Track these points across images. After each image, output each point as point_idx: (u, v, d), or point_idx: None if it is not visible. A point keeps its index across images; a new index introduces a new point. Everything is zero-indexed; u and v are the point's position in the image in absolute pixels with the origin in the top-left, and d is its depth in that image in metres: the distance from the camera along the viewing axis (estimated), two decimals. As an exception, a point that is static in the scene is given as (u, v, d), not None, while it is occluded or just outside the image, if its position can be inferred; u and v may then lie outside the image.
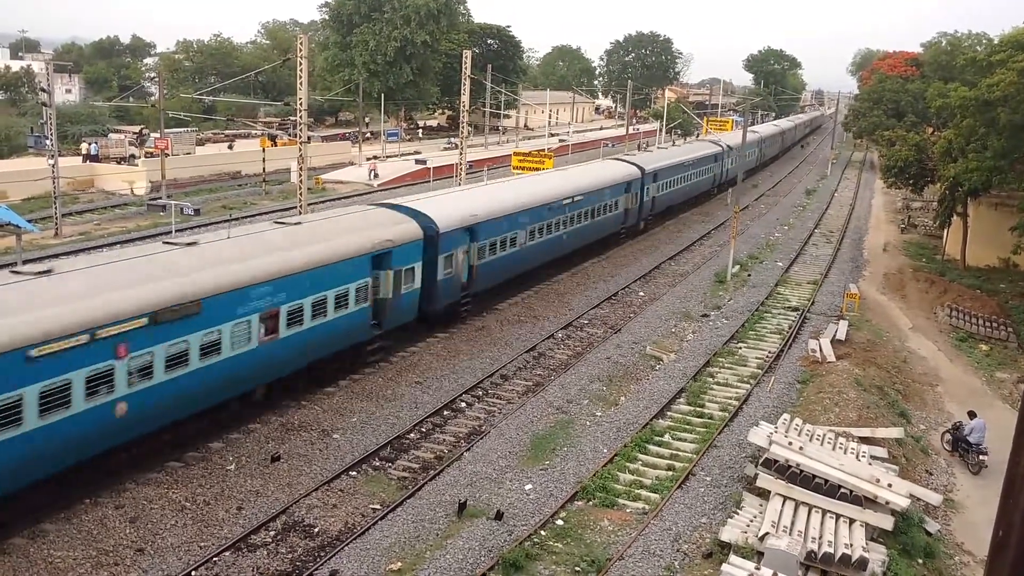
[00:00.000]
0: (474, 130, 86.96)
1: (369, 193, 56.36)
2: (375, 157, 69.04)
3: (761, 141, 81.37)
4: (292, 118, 60.25)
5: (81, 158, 58.18)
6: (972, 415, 22.63)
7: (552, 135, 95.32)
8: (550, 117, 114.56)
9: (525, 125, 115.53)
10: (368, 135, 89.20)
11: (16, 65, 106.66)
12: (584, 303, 33.31)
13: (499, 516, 16.99)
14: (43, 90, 43.01)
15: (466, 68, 47.05)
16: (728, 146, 63.91)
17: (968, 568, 17.59)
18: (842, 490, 17.06)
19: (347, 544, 15.94)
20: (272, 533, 16.35)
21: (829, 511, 16.76)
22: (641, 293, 35.83)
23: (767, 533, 15.72)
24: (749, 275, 39.62)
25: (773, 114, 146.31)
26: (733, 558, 15.24)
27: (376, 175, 63.22)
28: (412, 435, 20.97)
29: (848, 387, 24.26)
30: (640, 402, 23.68)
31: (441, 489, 18.18)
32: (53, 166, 41.40)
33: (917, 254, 48.40)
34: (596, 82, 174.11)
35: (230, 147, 70.50)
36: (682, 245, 46.09)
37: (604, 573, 15.44)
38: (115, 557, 15.21)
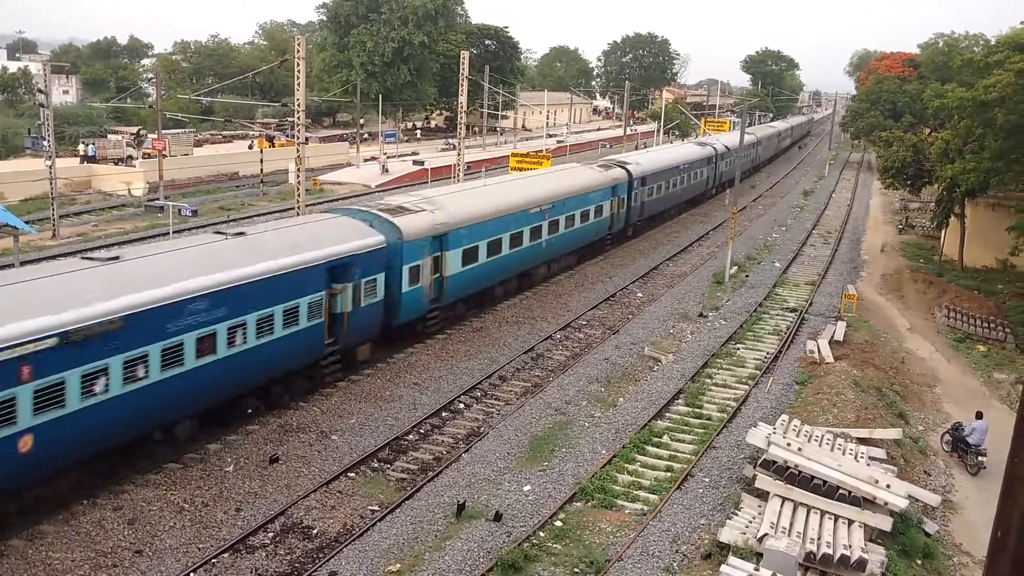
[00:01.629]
0: (475, 131, 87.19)
1: (367, 194, 56.34)
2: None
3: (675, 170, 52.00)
4: (290, 119, 60.21)
5: (79, 159, 58.12)
6: (979, 415, 22.57)
7: (550, 136, 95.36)
8: (548, 118, 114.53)
9: (523, 126, 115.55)
10: (365, 136, 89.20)
11: (14, 66, 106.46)
12: (582, 304, 33.32)
13: (498, 517, 16.99)
14: (40, 91, 42.93)
15: (464, 69, 47.07)
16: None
17: (967, 569, 17.60)
18: (841, 491, 17.07)
19: (346, 546, 15.95)
20: (271, 535, 16.35)
21: (828, 512, 16.77)
22: (639, 294, 35.85)
23: (766, 534, 15.73)
24: (747, 276, 39.65)
25: (771, 115, 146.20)
26: (732, 559, 15.24)
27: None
28: (411, 436, 20.98)
29: (846, 388, 24.25)
30: (638, 403, 23.70)
31: (440, 490, 18.18)
32: (50, 167, 41.33)
33: (915, 255, 48.45)
34: (594, 83, 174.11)
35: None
36: (680, 246, 46.13)
37: (603, 574, 15.45)
38: (113, 559, 15.21)
